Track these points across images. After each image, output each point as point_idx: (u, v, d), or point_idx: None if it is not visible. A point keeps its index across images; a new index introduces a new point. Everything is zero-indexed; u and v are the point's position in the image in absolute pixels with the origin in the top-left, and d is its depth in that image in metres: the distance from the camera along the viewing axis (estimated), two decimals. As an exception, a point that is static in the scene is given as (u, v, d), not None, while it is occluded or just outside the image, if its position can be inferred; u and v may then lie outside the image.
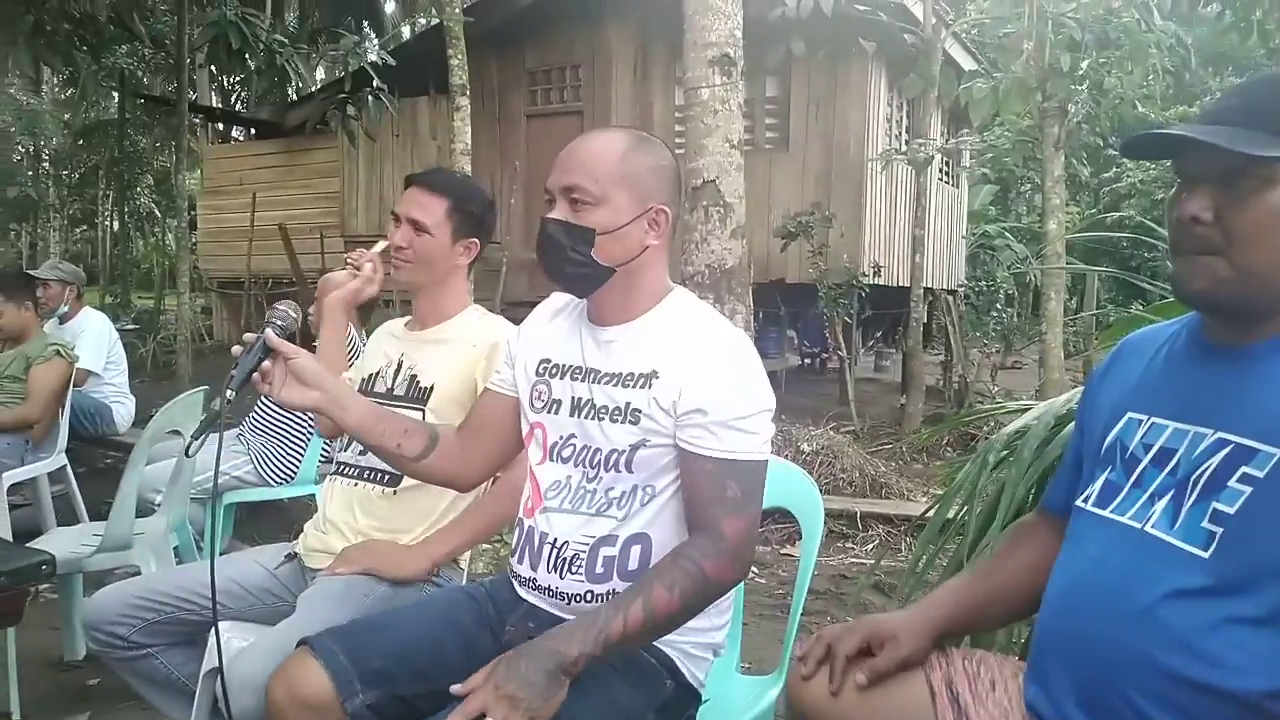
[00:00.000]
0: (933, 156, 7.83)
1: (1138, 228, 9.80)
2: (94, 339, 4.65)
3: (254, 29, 7.88)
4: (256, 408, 3.45)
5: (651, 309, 1.50)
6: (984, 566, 1.44)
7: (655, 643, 1.47)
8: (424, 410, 1.92)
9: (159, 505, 2.85)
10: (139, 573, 2.45)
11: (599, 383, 1.49)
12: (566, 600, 1.47)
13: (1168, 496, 1.11)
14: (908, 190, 9.69)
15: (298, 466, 3.37)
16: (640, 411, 1.43)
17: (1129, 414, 1.20)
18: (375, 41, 13.54)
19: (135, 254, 21.15)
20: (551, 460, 1.52)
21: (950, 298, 9.49)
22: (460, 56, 5.61)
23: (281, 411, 3.33)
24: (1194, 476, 1.08)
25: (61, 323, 4.66)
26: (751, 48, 5.96)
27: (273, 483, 3.28)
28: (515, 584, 1.55)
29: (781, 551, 4.21)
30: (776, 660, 1.86)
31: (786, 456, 4.75)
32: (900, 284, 9.39)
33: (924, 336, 8.23)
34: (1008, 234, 13.50)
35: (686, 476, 1.43)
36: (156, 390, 7.32)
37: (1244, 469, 1.04)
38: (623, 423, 1.45)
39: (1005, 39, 7.22)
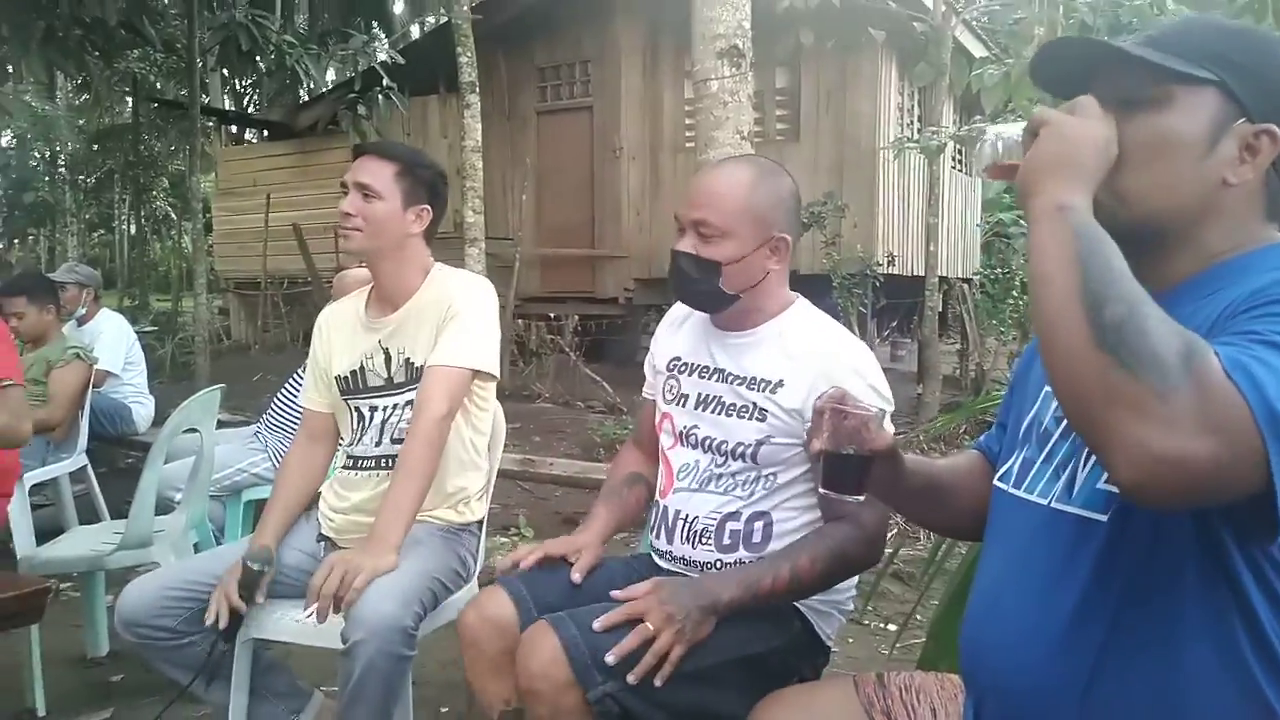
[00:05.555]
0: (945, 144, 7.78)
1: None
2: (112, 340, 4.68)
3: (264, 31, 7.93)
4: (273, 405, 3.47)
5: (775, 317, 1.67)
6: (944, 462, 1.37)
7: None
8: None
9: (179, 503, 2.87)
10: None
11: (727, 382, 1.66)
12: (699, 568, 1.65)
13: (1069, 466, 1.04)
14: (921, 179, 9.63)
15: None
16: (767, 411, 1.60)
17: (1046, 388, 1.10)
18: (384, 41, 13.57)
19: (152, 257, 21.30)
20: (682, 445, 1.71)
21: (965, 286, 9.42)
22: (469, 54, 5.62)
23: (296, 407, 3.35)
24: None
25: (79, 325, 4.70)
26: (760, 39, 5.92)
27: (290, 480, 3.29)
28: (655, 556, 1.75)
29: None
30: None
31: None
32: (915, 273, 9.35)
33: (939, 325, 8.19)
34: (1022, 221, 13.39)
35: None
36: (176, 390, 7.35)
37: None
38: (749, 419, 1.62)
39: (1016, 25, 7.18)
